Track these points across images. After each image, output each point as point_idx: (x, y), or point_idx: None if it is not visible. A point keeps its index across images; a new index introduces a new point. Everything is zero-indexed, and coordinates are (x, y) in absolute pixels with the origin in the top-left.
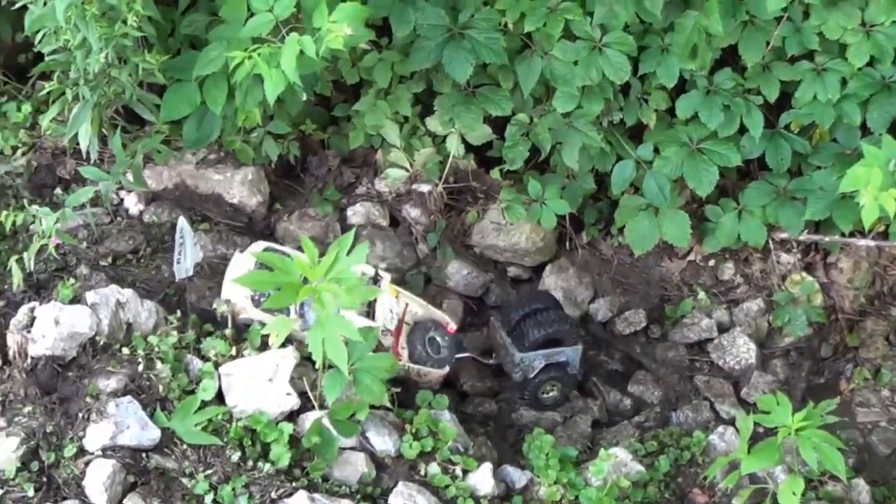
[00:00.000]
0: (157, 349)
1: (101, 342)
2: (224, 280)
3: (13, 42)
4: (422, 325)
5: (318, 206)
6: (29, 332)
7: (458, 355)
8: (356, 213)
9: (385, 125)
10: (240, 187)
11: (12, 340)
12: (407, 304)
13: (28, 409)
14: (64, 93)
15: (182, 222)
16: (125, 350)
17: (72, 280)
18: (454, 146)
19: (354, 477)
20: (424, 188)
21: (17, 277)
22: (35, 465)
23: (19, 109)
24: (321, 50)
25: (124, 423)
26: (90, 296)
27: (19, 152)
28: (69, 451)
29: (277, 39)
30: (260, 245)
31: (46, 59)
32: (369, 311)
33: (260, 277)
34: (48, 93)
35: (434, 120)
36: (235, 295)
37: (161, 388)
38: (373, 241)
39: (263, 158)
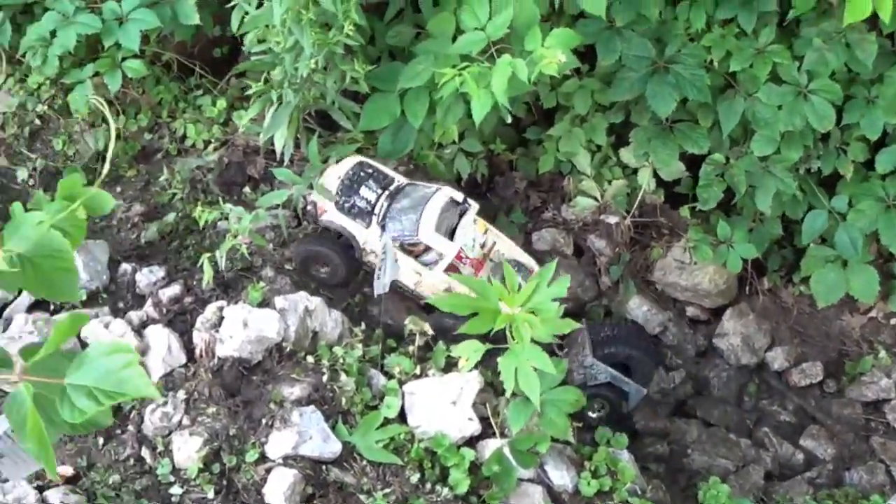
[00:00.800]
0: (341, 361)
1: (287, 348)
2: (316, 186)
3: (209, 36)
4: (504, 263)
5: (506, 230)
6: (217, 331)
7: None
8: (542, 238)
9: (578, 152)
10: None
11: (199, 338)
12: (494, 242)
13: (212, 409)
14: (263, 93)
15: (386, 239)
16: (310, 359)
17: (261, 283)
18: (646, 180)
19: None
20: (612, 220)
21: (207, 275)
22: (216, 468)
23: (214, 104)
24: (534, 74)
25: (307, 434)
26: (279, 301)
27: (211, 147)
28: (251, 456)
29: (485, 58)
30: (355, 158)
31: (252, 58)
32: (449, 230)
33: (459, 301)
34: (242, 90)
35: (628, 152)
36: (322, 197)
37: (344, 400)
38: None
39: (453, 174)
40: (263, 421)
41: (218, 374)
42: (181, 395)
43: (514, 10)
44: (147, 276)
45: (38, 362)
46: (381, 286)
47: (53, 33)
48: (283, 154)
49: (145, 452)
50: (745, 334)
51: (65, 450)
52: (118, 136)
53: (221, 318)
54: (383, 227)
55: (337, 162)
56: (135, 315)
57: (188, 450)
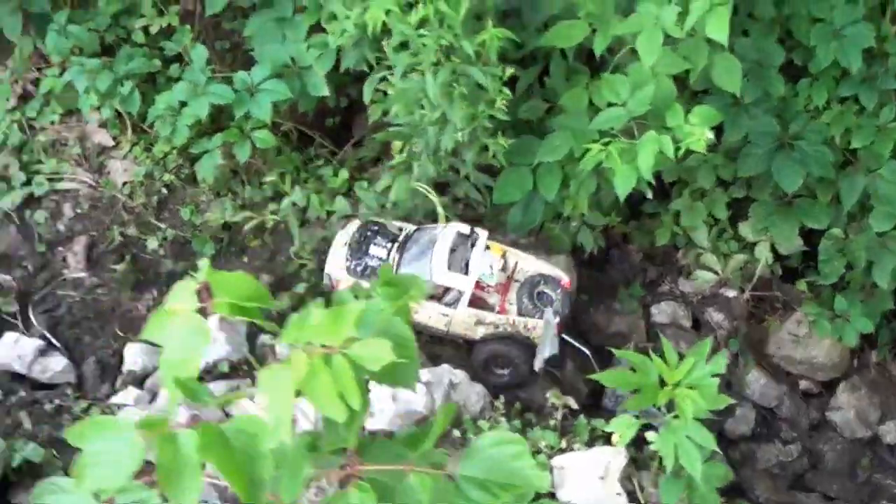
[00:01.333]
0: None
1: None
2: (328, 257)
3: (328, 106)
4: (529, 282)
5: (625, 303)
6: None
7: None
8: (661, 311)
9: (698, 226)
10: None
11: None
12: (517, 262)
13: None
14: (397, 165)
15: (548, 315)
16: (456, 432)
17: None
18: (764, 255)
19: None
20: (731, 293)
21: None
22: None
23: (335, 174)
24: (681, 150)
25: None
26: (424, 373)
27: (333, 217)
28: None
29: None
30: (356, 223)
31: (389, 130)
32: (463, 265)
33: (622, 378)
34: (359, 160)
35: (746, 226)
36: (334, 267)
37: None
38: (676, 341)
39: (571, 247)
40: None
41: None
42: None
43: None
44: (287, 347)
45: (374, 447)
46: (540, 361)
47: (182, 102)
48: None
49: None
50: (858, 408)
51: None
52: (243, 207)
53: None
54: (401, 255)
55: (343, 228)
56: None
57: None
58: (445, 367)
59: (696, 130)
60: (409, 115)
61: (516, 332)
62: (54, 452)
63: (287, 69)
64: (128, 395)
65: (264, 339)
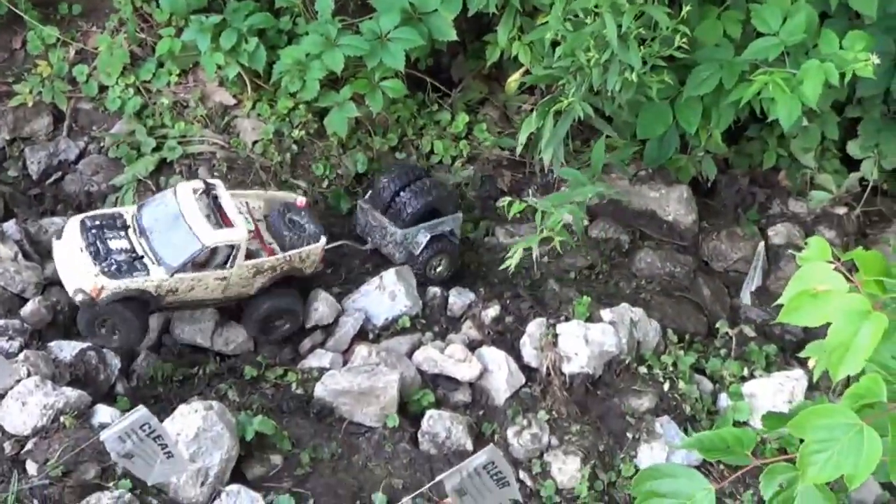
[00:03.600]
0: (671, 368)
1: (624, 360)
2: (66, 274)
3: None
4: (275, 214)
5: (746, 227)
6: (555, 348)
7: (332, 244)
8: (777, 233)
9: (810, 148)
10: (675, 205)
11: (541, 357)
12: (247, 202)
13: (576, 427)
14: (548, 106)
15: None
16: (642, 369)
17: (585, 297)
18: (871, 171)
19: None
20: (840, 211)
21: (512, 262)
22: (599, 485)
23: (452, 119)
24: (847, 77)
25: (673, 443)
26: (606, 314)
27: (458, 163)
28: (627, 470)
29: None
30: (73, 222)
31: (536, 73)
32: (218, 219)
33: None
34: (466, 103)
35: (854, 144)
36: (86, 278)
37: (688, 408)
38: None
39: (689, 177)
40: (629, 435)
41: (569, 392)
42: (542, 415)
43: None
44: (460, 299)
45: None
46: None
47: (309, 56)
48: (550, 166)
49: (522, 475)
50: None
51: None
52: (371, 158)
53: (556, 335)
54: (160, 262)
55: (58, 239)
56: (455, 337)
57: (569, 469)
58: (625, 305)
59: (863, 56)
60: (569, 57)
61: (293, 268)
62: (274, 424)
63: (407, 14)
64: (321, 358)
65: (434, 290)
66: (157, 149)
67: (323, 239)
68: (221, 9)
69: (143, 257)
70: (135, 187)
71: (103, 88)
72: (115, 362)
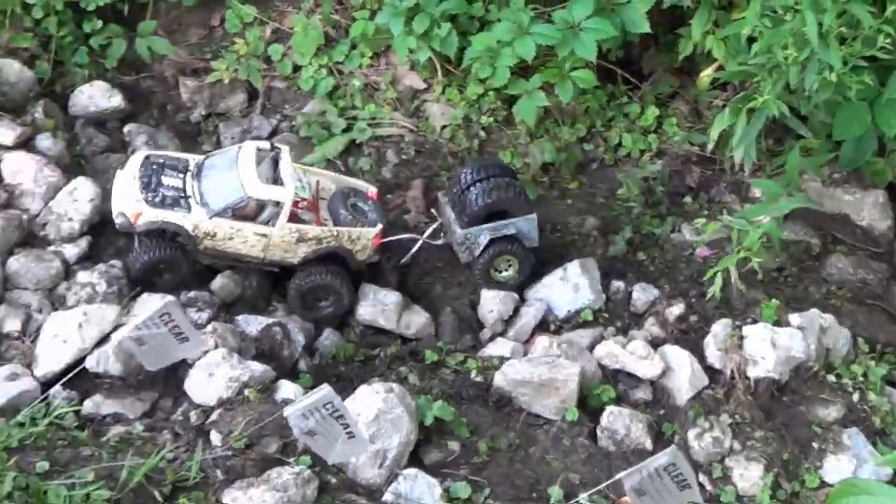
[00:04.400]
0: (861, 379)
1: (812, 367)
2: (115, 196)
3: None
4: (339, 194)
5: None
6: (741, 351)
7: (397, 236)
8: None
9: None
10: (870, 209)
11: (727, 359)
12: (318, 181)
13: (759, 433)
14: (741, 104)
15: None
16: (830, 377)
17: (774, 300)
18: None
19: None
20: None
21: (716, 289)
22: (781, 494)
23: (642, 112)
24: None
25: (861, 456)
26: (794, 318)
27: (647, 157)
28: (811, 481)
29: None
30: (139, 155)
31: (730, 69)
32: (276, 181)
33: None
34: (657, 97)
35: None
36: (128, 202)
37: (878, 420)
38: None
39: (885, 181)
40: (814, 445)
41: (753, 396)
42: (724, 418)
43: None
44: (644, 294)
45: None
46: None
47: (500, 43)
48: (741, 164)
49: (702, 478)
50: None
51: None
52: (558, 149)
53: (742, 337)
54: (204, 204)
55: (122, 167)
56: (638, 333)
57: (751, 476)
58: (814, 310)
59: None
60: (766, 53)
61: (340, 246)
62: (453, 410)
63: (600, 5)
64: (502, 347)
65: (618, 285)
66: (347, 130)
67: (379, 226)
68: None
69: (189, 197)
70: (323, 167)
71: (297, 68)
72: (300, 339)
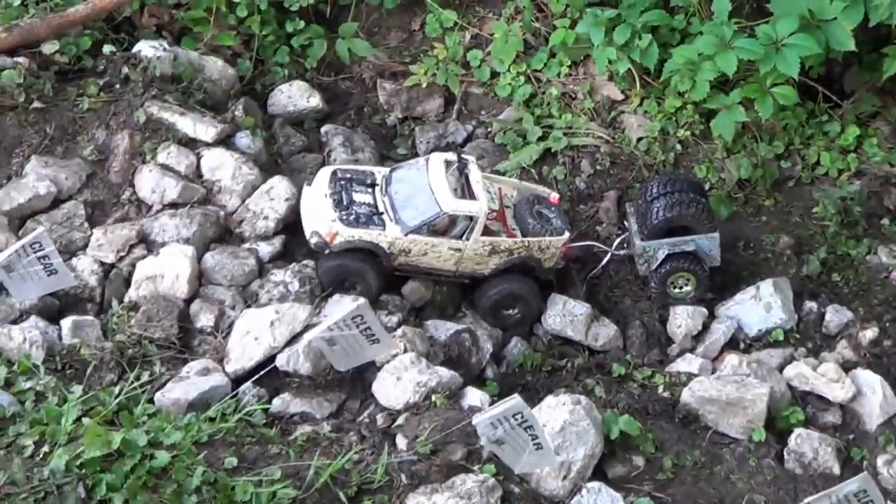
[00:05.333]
0: None
1: None
2: (308, 216)
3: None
4: (525, 202)
5: None
6: None
7: (580, 243)
8: None
9: None
10: None
11: None
12: (500, 188)
13: None
14: None
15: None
16: None
17: None
18: None
19: None
20: None
21: None
22: None
23: (842, 130)
24: None
25: None
26: None
27: (844, 176)
28: None
29: None
30: (326, 171)
31: None
32: (464, 192)
33: None
34: (858, 116)
35: None
36: (323, 222)
37: None
38: None
39: None
40: None
41: None
42: None
43: None
44: (837, 316)
45: None
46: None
47: (701, 56)
48: None
49: None
50: None
51: None
52: (755, 165)
53: None
54: (398, 221)
55: (308, 185)
56: (829, 356)
57: None
58: None
59: None
60: None
61: (530, 256)
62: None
63: (804, 21)
64: (690, 363)
65: (811, 305)
66: (543, 138)
67: (566, 234)
68: (617, 3)
69: (382, 214)
70: (518, 174)
71: (495, 74)
72: (488, 346)
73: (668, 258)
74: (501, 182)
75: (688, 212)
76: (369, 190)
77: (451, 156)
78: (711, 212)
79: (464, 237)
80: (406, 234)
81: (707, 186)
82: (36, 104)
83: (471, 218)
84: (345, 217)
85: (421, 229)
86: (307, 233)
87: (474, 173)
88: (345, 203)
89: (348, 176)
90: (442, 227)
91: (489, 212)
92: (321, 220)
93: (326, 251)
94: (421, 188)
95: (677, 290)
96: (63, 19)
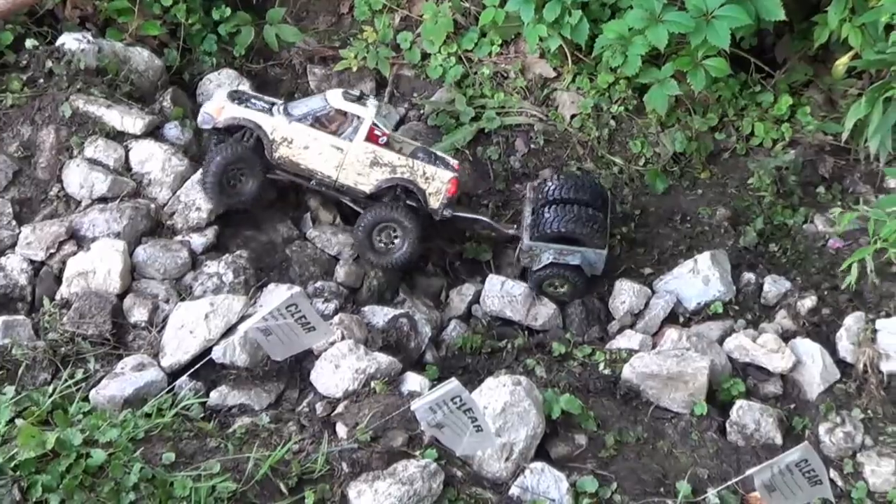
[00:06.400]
0: None
1: None
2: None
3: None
4: (421, 148)
5: None
6: (874, 345)
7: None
8: None
9: None
10: None
11: (859, 353)
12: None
13: (891, 428)
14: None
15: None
16: None
17: None
18: None
19: None
20: None
21: (851, 279)
22: None
23: (776, 101)
24: None
25: None
26: None
27: (779, 146)
28: None
29: None
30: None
31: (867, 57)
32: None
33: None
34: (790, 85)
35: None
36: (213, 104)
37: None
38: None
39: None
40: None
41: (886, 391)
42: (856, 413)
43: None
44: (775, 287)
45: None
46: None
47: (632, 31)
48: (877, 154)
49: (833, 474)
50: None
51: None
52: (689, 138)
53: (875, 331)
54: (288, 114)
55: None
56: (769, 326)
57: (883, 472)
58: None
59: None
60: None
61: (414, 181)
62: (581, 403)
63: None
64: (630, 339)
65: (749, 277)
66: (476, 118)
67: (455, 173)
68: None
69: (273, 107)
70: (453, 156)
71: (426, 56)
72: (426, 330)
73: (551, 264)
74: (405, 141)
75: (583, 231)
76: (266, 105)
77: (353, 91)
78: (607, 229)
79: (348, 139)
80: (290, 122)
81: (642, 161)
82: None
83: (358, 120)
84: (236, 100)
85: (306, 118)
86: (199, 118)
87: (372, 99)
88: (240, 97)
89: (248, 95)
90: (327, 123)
91: (379, 130)
92: (213, 102)
93: (211, 126)
94: (315, 99)
95: (551, 290)
96: None
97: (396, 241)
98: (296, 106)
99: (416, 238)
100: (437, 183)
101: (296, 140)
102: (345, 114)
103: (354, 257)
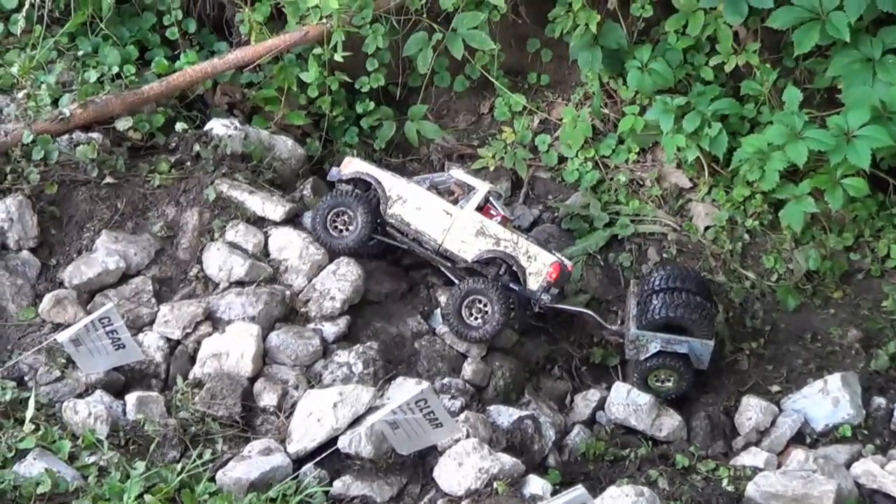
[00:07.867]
0: None
1: None
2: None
3: None
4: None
5: None
6: None
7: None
8: None
9: None
10: None
11: None
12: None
13: None
14: None
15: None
16: None
17: None
18: None
19: None
20: None
21: None
22: None
23: None
24: None
25: None
26: None
27: None
28: None
29: None
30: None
31: None
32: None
33: None
34: None
35: None
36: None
37: None
38: None
39: None
40: None
41: None
42: None
43: None
44: None
45: None
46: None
47: (771, 146)
48: None
49: None
50: None
51: None
52: (824, 256)
53: None
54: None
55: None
56: None
57: None
58: None
59: None
60: None
61: (515, 257)
62: None
63: (876, 112)
64: (755, 457)
65: (879, 401)
66: (610, 224)
67: (557, 257)
68: (686, 90)
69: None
70: (584, 260)
71: (562, 159)
72: (550, 433)
73: (658, 353)
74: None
75: (691, 317)
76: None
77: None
78: (713, 319)
79: (459, 205)
80: (408, 183)
81: (775, 277)
82: (108, 179)
83: (473, 190)
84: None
85: (424, 181)
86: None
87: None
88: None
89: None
90: (445, 194)
91: (495, 210)
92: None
93: (337, 178)
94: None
95: (658, 384)
96: (137, 96)
97: (481, 318)
98: (421, 179)
99: (503, 316)
100: (539, 264)
101: (410, 199)
102: (463, 187)
103: (483, 355)
